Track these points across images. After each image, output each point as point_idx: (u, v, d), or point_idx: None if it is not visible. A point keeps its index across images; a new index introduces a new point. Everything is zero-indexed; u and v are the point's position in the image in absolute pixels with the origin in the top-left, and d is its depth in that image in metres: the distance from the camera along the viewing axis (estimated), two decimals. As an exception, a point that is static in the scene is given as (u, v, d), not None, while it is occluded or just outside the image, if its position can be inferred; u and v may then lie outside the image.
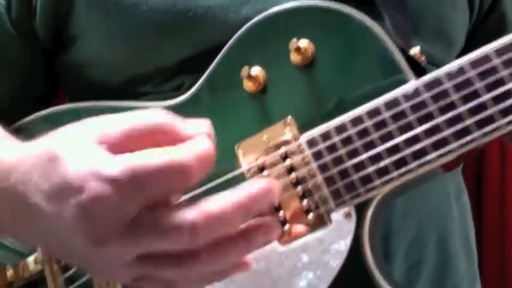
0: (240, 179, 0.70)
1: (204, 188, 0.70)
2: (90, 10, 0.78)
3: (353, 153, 0.65)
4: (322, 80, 0.69)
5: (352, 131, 0.66)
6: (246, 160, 0.70)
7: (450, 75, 0.63)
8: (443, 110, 0.63)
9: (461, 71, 0.62)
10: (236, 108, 0.72)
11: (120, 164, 0.51)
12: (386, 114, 0.65)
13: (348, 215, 0.66)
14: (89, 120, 0.56)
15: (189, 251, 0.53)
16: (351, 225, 0.66)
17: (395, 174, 0.64)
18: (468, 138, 0.62)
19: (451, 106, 0.62)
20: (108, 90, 0.80)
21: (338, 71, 0.69)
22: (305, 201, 0.67)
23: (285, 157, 0.68)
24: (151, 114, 0.55)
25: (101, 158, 0.52)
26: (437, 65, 0.78)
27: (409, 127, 0.64)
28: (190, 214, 0.52)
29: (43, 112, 0.81)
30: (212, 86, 0.73)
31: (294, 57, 0.69)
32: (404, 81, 0.65)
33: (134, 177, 0.51)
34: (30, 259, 0.80)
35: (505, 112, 0.61)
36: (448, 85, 0.63)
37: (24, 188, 0.55)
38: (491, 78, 0.61)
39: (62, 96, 0.91)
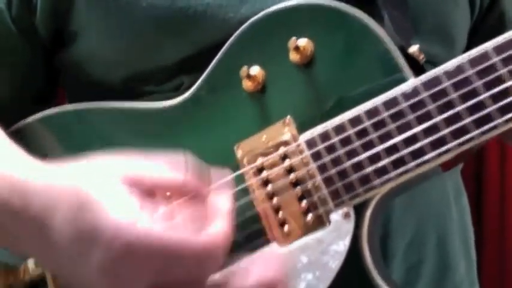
0: (240, 179, 0.70)
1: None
2: (89, 7, 0.77)
3: (352, 154, 0.65)
4: (321, 79, 0.69)
5: (351, 131, 0.66)
6: (245, 160, 0.70)
7: (448, 74, 0.63)
8: (441, 109, 0.62)
9: (459, 69, 0.62)
10: (235, 108, 0.72)
11: (150, 233, 0.54)
12: (385, 114, 0.65)
13: (346, 216, 0.66)
14: (120, 160, 0.59)
15: None
16: (349, 226, 0.66)
17: (393, 174, 0.64)
18: (466, 137, 0.62)
19: (450, 105, 0.62)
20: (108, 89, 0.80)
21: (337, 69, 0.69)
22: (304, 202, 0.67)
23: (284, 157, 0.68)
24: (181, 175, 0.58)
25: (132, 215, 0.54)
26: (439, 65, 0.79)
27: (407, 126, 0.64)
28: None
29: (41, 114, 0.80)
30: (211, 86, 0.73)
31: (293, 56, 0.69)
32: (403, 80, 0.65)
33: (159, 249, 0.54)
34: (31, 262, 0.80)
35: (503, 110, 0.60)
36: (446, 84, 0.63)
37: (46, 220, 0.57)
38: (489, 77, 0.61)
39: (61, 95, 0.91)
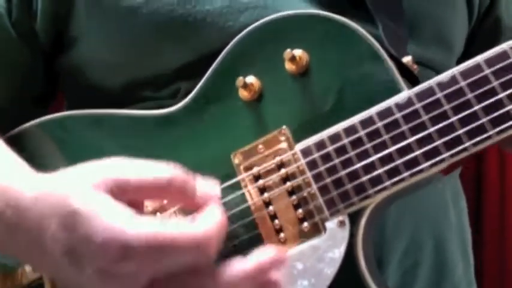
0: (236, 187, 0.70)
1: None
2: (89, 13, 0.78)
3: (347, 163, 0.66)
4: (317, 88, 0.69)
5: (345, 141, 0.66)
6: (242, 168, 0.70)
7: (441, 85, 0.63)
8: (434, 120, 0.63)
9: (452, 81, 0.63)
10: (232, 117, 0.72)
11: (143, 232, 0.54)
12: (379, 124, 0.65)
13: (341, 224, 0.66)
14: (105, 163, 0.59)
15: None
16: (344, 234, 0.66)
17: (388, 183, 0.65)
18: (459, 148, 0.62)
19: (443, 116, 0.63)
20: (107, 94, 0.80)
21: (332, 79, 0.69)
22: (300, 210, 0.68)
23: (280, 166, 0.69)
24: (168, 170, 0.58)
25: (121, 219, 0.55)
26: (436, 70, 0.79)
27: (401, 137, 0.64)
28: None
29: (39, 120, 0.80)
30: (208, 95, 0.74)
31: (289, 66, 0.70)
32: (397, 91, 0.66)
33: (157, 248, 0.54)
34: (28, 265, 0.81)
35: (495, 122, 0.61)
36: (439, 95, 0.63)
37: (40, 233, 0.57)
38: (482, 89, 0.62)
39: (60, 100, 0.91)
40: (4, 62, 0.83)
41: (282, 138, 0.69)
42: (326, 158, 0.67)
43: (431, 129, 0.63)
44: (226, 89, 0.72)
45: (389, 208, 0.73)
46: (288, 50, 0.68)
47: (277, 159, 0.69)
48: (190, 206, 0.59)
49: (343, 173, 0.66)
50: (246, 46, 0.72)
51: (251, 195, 0.70)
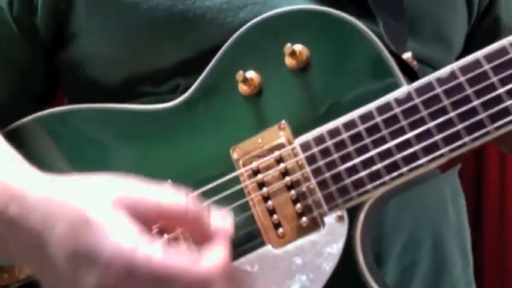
0: (235, 181, 0.70)
1: (199, 190, 0.71)
2: (89, 8, 0.78)
3: (346, 157, 0.66)
4: (317, 84, 0.69)
5: (345, 135, 0.66)
6: (241, 163, 0.70)
7: (440, 81, 0.63)
8: (434, 115, 0.63)
9: (451, 76, 0.63)
10: (231, 111, 0.72)
11: (151, 257, 0.54)
12: (378, 119, 0.65)
13: (340, 218, 0.67)
14: (122, 181, 0.59)
15: None
16: (343, 229, 0.66)
17: (387, 178, 0.65)
18: (458, 143, 0.63)
19: (442, 111, 0.63)
20: (107, 90, 0.80)
21: (332, 75, 0.69)
22: (299, 205, 0.68)
23: (279, 160, 0.69)
24: (186, 198, 0.59)
25: (132, 240, 0.55)
26: (435, 67, 0.79)
27: (400, 132, 0.64)
28: None
29: (36, 115, 0.80)
30: (207, 89, 0.74)
31: (289, 61, 0.70)
32: (396, 86, 0.66)
33: (160, 276, 0.54)
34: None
35: (494, 117, 0.61)
36: (438, 90, 0.63)
37: (44, 234, 0.58)
38: (480, 84, 0.62)
39: (60, 96, 0.91)
40: (4, 59, 0.83)
41: (281, 133, 0.69)
42: (325, 152, 0.67)
43: (431, 124, 0.63)
44: (226, 84, 0.72)
45: (388, 204, 0.73)
46: (288, 45, 0.68)
47: (276, 153, 0.69)
48: (202, 237, 0.59)
49: (342, 167, 0.66)
50: (246, 41, 0.72)
51: (250, 189, 0.70)
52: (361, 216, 0.66)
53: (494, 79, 0.61)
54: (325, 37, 0.70)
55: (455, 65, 0.63)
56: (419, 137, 0.64)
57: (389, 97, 0.65)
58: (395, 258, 0.78)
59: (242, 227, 0.70)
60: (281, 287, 0.67)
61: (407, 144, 0.64)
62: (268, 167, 0.69)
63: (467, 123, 0.62)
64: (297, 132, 0.69)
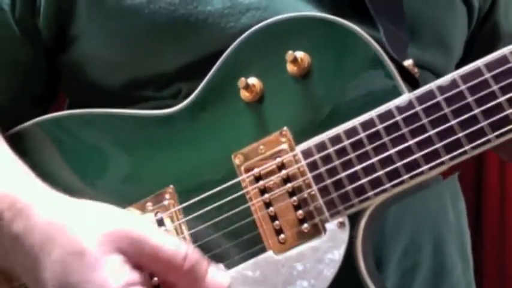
0: (237, 187, 0.71)
1: (201, 196, 0.71)
2: (90, 12, 0.78)
3: (347, 164, 0.66)
4: (318, 90, 0.70)
5: (346, 142, 0.67)
6: (243, 169, 0.71)
7: (442, 89, 0.64)
8: (435, 123, 0.64)
9: (452, 84, 0.63)
10: (233, 118, 0.72)
11: None
12: (379, 126, 0.66)
13: (341, 225, 0.67)
14: (128, 217, 0.61)
15: None
16: (344, 235, 0.67)
17: (388, 185, 0.65)
18: (459, 151, 0.63)
19: (443, 119, 0.63)
20: (108, 92, 0.81)
21: (333, 82, 0.69)
22: (300, 211, 0.68)
23: (280, 167, 0.69)
24: (185, 247, 0.60)
25: (122, 278, 0.57)
26: (436, 73, 0.80)
27: (401, 139, 0.65)
28: None
29: (38, 119, 0.80)
30: (209, 95, 0.74)
31: (291, 68, 0.70)
32: (397, 93, 0.67)
33: None
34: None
35: (494, 126, 0.62)
36: (439, 98, 0.64)
37: (39, 256, 0.59)
38: (481, 92, 0.62)
39: (61, 99, 0.91)
40: (6, 60, 0.83)
41: (283, 139, 0.70)
42: (326, 159, 0.67)
43: (431, 132, 0.64)
44: (228, 90, 0.72)
45: (389, 209, 0.73)
46: (290, 52, 0.69)
47: (278, 160, 0.69)
48: None
49: (343, 174, 0.66)
50: (248, 47, 0.72)
51: (251, 196, 0.70)
52: (362, 223, 0.67)
53: (495, 87, 0.62)
54: (326, 44, 0.70)
55: (456, 73, 0.64)
56: (420, 145, 0.64)
57: (391, 105, 0.66)
58: (396, 261, 0.79)
59: (243, 233, 0.70)
60: None
61: (408, 151, 0.64)
62: (269, 173, 0.70)
63: (468, 131, 0.63)
64: (298, 138, 0.69)
